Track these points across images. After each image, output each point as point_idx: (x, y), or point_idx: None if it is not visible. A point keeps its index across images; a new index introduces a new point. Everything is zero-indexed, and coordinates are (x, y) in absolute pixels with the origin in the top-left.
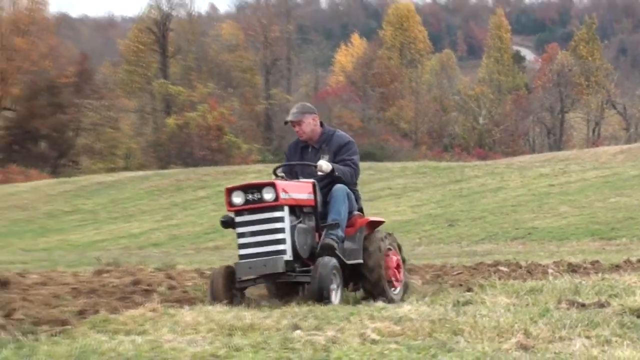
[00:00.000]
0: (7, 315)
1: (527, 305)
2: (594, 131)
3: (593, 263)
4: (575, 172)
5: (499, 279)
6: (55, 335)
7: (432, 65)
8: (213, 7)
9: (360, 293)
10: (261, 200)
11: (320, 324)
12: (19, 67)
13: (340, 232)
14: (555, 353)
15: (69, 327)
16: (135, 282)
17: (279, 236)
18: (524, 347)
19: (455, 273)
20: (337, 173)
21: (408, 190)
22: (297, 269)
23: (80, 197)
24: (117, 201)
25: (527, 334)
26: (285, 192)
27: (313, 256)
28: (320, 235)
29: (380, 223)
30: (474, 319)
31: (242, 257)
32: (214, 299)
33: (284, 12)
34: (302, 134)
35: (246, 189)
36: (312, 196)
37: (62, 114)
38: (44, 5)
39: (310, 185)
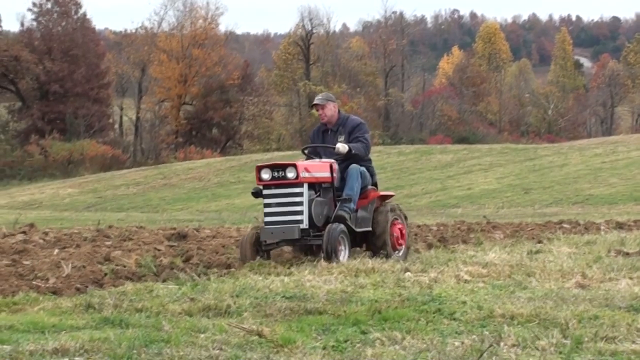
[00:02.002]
0: (186, 260)
1: (584, 253)
2: (636, 121)
3: (635, 222)
4: (622, 152)
5: (563, 233)
6: (222, 276)
7: (512, 71)
8: (345, 26)
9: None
10: (285, 177)
11: (425, 267)
12: (197, 72)
13: (352, 205)
14: (605, 290)
15: (232, 269)
16: None
17: (297, 208)
18: (582, 286)
19: (529, 229)
20: (353, 151)
21: (493, 166)
22: (312, 234)
23: (243, 171)
24: None
25: (584, 275)
26: (307, 171)
27: (328, 224)
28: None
29: (389, 197)
30: (543, 264)
31: (266, 223)
32: (243, 258)
33: (399, 30)
34: (324, 117)
35: (273, 167)
36: (329, 174)
37: (230, 108)
38: (215, 25)
39: (328, 165)
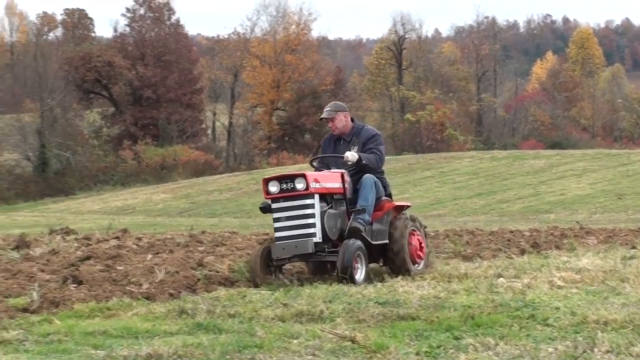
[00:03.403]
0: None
1: None
2: None
3: None
4: None
5: None
6: (315, 282)
7: (605, 76)
8: (437, 31)
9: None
10: (294, 189)
11: (518, 273)
12: (290, 77)
13: (367, 217)
14: None
15: (326, 275)
16: None
17: (310, 221)
18: None
19: (622, 235)
20: (364, 161)
21: (587, 171)
22: (327, 250)
23: None
24: None
25: None
26: (317, 181)
27: (342, 238)
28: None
29: (405, 207)
30: (637, 269)
31: (277, 239)
32: (253, 277)
33: (492, 35)
34: (334, 129)
35: (281, 179)
36: (341, 185)
37: (322, 113)
38: (308, 30)
39: (339, 175)
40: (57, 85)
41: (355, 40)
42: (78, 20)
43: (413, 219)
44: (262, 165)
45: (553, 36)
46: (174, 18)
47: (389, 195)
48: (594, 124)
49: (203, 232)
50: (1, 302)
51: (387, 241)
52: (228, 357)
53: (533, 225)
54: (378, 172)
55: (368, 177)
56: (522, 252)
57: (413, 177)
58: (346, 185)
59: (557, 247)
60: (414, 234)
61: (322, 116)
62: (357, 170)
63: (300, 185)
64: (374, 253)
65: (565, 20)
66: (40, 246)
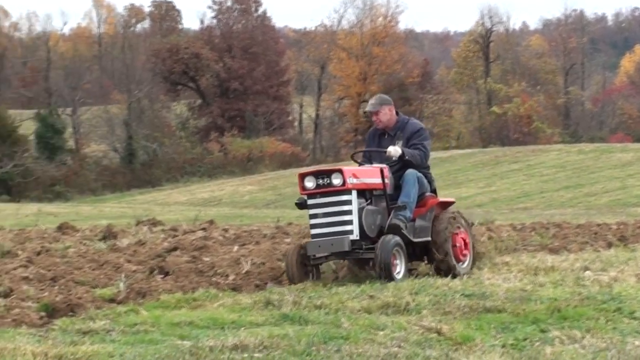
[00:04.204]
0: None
1: None
2: None
3: None
4: None
5: None
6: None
7: None
8: (525, 24)
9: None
10: (330, 184)
11: (605, 266)
12: (377, 70)
13: (408, 213)
14: None
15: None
16: None
17: (346, 218)
18: None
19: None
20: (407, 157)
21: None
22: (364, 247)
23: None
24: (450, 172)
25: None
26: (356, 177)
27: (382, 235)
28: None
29: (450, 203)
30: None
31: (313, 236)
32: (290, 276)
33: (579, 28)
34: (379, 123)
35: (317, 174)
36: (380, 180)
37: (409, 106)
38: (395, 23)
39: (378, 170)
40: (145, 77)
41: (443, 33)
42: (165, 12)
43: (458, 216)
44: (348, 157)
45: None
46: (260, 10)
47: (434, 191)
48: None
49: (289, 224)
50: (88, 293)
51: (429, 238)
52: (314, 348)
53: (620, 218)
54: (423, 167)
55: (411, 173)
56: (609, 245)
57: (500, 169)
58: (386, 181)
59: None
60: (458, 231)
61: (366, 109)
62: (401, 166)
63: (336, 180)
64: (417, 251)
65: None
66: (127, 237)
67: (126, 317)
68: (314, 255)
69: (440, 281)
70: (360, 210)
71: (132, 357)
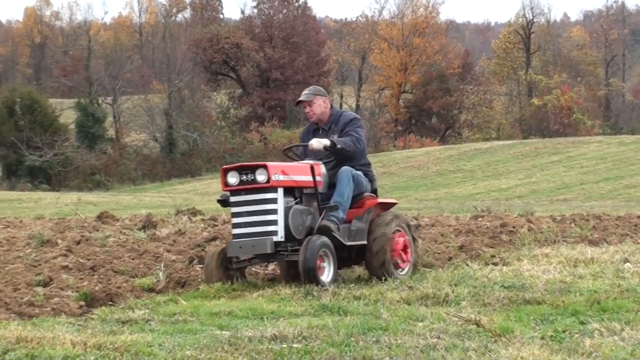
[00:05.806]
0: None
1: None
2: None
3: None
4: None
5: None
6: (442, 266)
7: None
8: (566, 15)
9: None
10: (254, 181)
11: None
12: (417, 60)
13: (340, 214)
14: None
15: (453, 259)
16: (503, 225)
17: (271, 217)
18: None
19: None
20: (339, 145)
21: None
22: (290, 249)
23: (462, 160)
24: (490, 163)
25: None
26: (284, 173)
27: None
28: None
29: (392, 205)
30: None
31: (235, 236)
32: (208, 278)
33: (621, 20)
34: (312, 115)
35: (241, 169)
36: (310, 177)
37: (449, 97)
38: (436, 13)
39: (309, 167)
40: (185, 67)
41: (484, 24)
42: (206, 2)
43: (398, 218)
44: (388, 148)
45: None
46: (301, 0)
47: (374, 191)
48: None
49: None
50: (127, 282)
51: (365, 242)
52: (353, 339)
53: None
54: (362, 165)
55: (345, 170)
56: None
57: (540, 161)
58: (318, 178)
59: None
60: (397, 235)
61: (299, 99)
62: (338, 162)
63: (261, 177)
64: (353, 255)
65: None
66: (167, 227)
67: (165, 307)
68: (237, 258)
69: (480, 273)
70: (287, 209)
71: (171, 347)
